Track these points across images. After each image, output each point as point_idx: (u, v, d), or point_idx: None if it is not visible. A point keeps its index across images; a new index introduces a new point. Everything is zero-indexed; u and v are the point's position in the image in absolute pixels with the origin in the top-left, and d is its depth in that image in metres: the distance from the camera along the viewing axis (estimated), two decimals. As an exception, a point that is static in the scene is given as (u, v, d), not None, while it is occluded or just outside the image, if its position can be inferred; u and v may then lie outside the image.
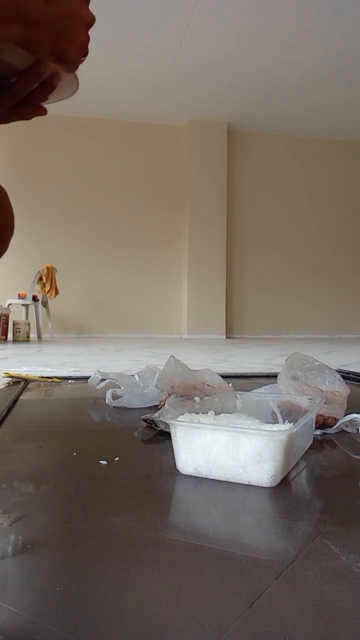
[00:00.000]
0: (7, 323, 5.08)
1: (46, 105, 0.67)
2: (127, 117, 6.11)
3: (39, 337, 5.50)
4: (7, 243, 0.83)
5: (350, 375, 1.94)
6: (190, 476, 0.80)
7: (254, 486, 0.76)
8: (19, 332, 5.05)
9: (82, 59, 0.60)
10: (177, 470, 0.82)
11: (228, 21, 4.27)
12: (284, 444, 0.75)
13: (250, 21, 4.26)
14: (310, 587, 0.48)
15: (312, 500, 0.74)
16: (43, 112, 0.66)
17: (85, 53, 0.60)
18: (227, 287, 6.35)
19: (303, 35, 4.46)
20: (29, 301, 5.37)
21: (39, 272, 5.45)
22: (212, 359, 3.16)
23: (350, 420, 1.10)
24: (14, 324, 5.06)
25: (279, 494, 0.74)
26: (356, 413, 1.11)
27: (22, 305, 5.41)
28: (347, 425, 1.11)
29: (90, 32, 0.61)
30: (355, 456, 0.97)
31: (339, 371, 1.48)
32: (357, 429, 1.10)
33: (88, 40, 0.59)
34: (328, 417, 1.10)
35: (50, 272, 5.47)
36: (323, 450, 0.99)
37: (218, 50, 4.71)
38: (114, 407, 1.35)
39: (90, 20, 0.58)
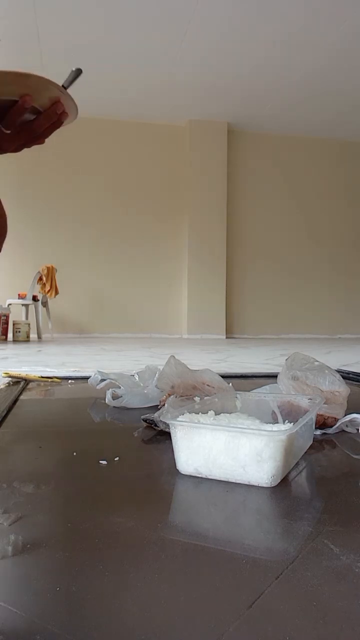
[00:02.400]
0: (7, 323, 5.08)
1: None
2: (127, 117, 6.11)
3: (39, 337, 5.50)
4: (0, 245, 0.89)
5: (350, 375, 1.94)
6: (190, 476, 0.80)
7: (254, 486, 0.76)
8: (19, 332, 5.05)
9: None
10: (177, 470, 0.82)
11: (228, 21, 4.26)
12: (284, 444, 0.75)
13: (250, 21, 4.26)
14: (310, 587, 0.48)
15: (312, 500, 0.74)
16: (42, 141, 0.79)
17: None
18: (227, 287, 6.35)
19: (303, 35, 4.46)
20: (29, 301, 5.37)
21: (39, 272, 5.45)
22: (212, 359, 3.16)
23: (350, 420, 1.10)
24: (14, 324, 5.06)
25: (279, 494, 0.74)
26: (356, 413, 1.11)
27: (22, 305, 5.41)
28: (347, 425, 1.11)
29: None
30: (355, 456, 0.97)
31: (339, 371, 1.48)
32: (357, 429, 1.10)
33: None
34: (328, 417, 1.10)
35: (50, 272, 5.47)
36: (323, 450, 0.99)
37: (218, 50, 4.71)
38: (114, 407, 1.35)
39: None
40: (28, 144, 0.78)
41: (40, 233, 5.99)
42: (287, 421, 0.97)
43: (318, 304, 6.70)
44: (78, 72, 0.77)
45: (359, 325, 6.81)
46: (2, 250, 0.91)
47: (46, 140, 0.79)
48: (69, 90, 0.74)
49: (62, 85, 0.74)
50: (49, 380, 1.90)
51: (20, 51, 4.63)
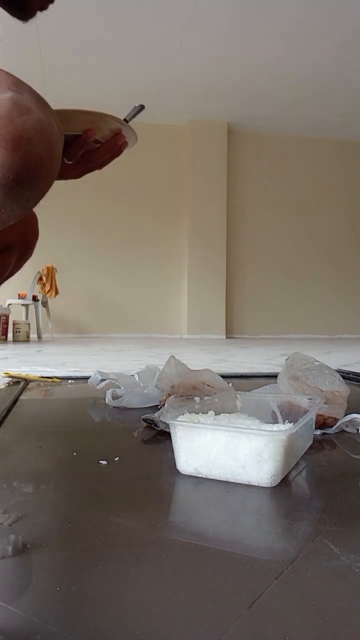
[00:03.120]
0: (7, 323, 5.08)
1: None
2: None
3: (39, 337, 5.50)
4: (33, 248, 0.94)
5: (350, 375, 1.94)
6: (190, 476, 0.80)
7: (254, 486, 0.76)
8: (19, 332, 5.05)
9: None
10: (177, 470, 0.82)
11: (228, 21, 4.26)
12: (284, 444, 0.75)
13: (250, 21, 4.26)
14: (310, 587, 0.48)
15: (312, 500, 0.74)
16: (102, 167, 0.83)
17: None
18: (227, 287, 6.35)
19: (303, 35, 4.46)
20: (29, 301, 5.37)
21: (39, 272, 5.45)
22: (212, 359, 3.16)
23: (350, 420, 1.10)
24: (14, 324, 5.06)
25: (279, 494, 0.74)
26: (356, 413, 1.11)
27: (22, 305, 5.41)
28: (347, 425, 1.11)
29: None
30: (355, 456, 0.97)
31: (339, 371, 1.48)
32: (357, 429, 1.10)
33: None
34: (328, 417, 1.10)
35: (50, 272, 5.47)
36: (323, 450, 0.99)
37: (218, 50, 4.71)
38: (114, 407, 1.35)
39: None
40: (89, 171, 0.83)
41: (40, 233, 5.98)
42: (287, 421, 0.97)
43: (318, 304, 6.70)
44: (141, 108, 0.84)
45: (359, 325, 6.81)
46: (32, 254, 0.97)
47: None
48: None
49: (124, 119, 0.79)
50: (49, 380, 1.90)
51: (20, 51, 4.63)
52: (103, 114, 0.75)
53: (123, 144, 0.80)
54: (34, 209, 0.98)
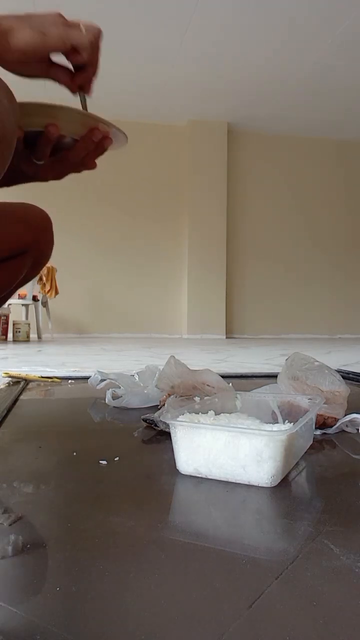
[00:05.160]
0: (7, 323, 5.08)
1: None
2: (127, 117, 6.11)
3: (39, 337, 5.50)
4: (47, 253, 0.94)
5: (350, 375, 1.94)
6: (190, 476, 0.80)
7: (254, 486, 0.76)
8: (19, 332, 5.05)
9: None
10: (177, 470, 0.82)
11: (228, 21, 4.27)
12: (284, 444, 0.75)
13: (250, 21, 4.26)
14: (310, 587, 0.48)
15: (312, 500, 0.74)
16: (93, 167, 0.78)
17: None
18: (227, 287, 6.35)
19: (303, 35, 4.46)
20: (29, 301, 5.37)
21: (39, 272, 5.45)
22: (212, 359, 3.16)
23: (350, 420, 1.10)
24: (14, 324, 5.06)
25: (279, 494, 0.74)
26: (356, 413, 1.11)
27: (22, 305, 5.41)
28: (347, 425, 1.10)
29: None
30: (355, 456, 0.97)
31: (339, 371, 1.48)
32: (357, 429, 1.10)
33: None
34: (328, 417, 1.10)
35: (50, 272, 5.47)
36: (323, 450, 0.99)
37: (218, 50, 4.71)
38: (114, 407, 1.35)
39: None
40: (71, 171, 0.79)
41: (40, 233, 5.98)
42: (287, 421, 0.97)
43: (318, 304, 6.70)
44: (82, 95, 0.77)
45: (359, 325, 6.81)
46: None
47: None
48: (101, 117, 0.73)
49: (83, 109, 0.74)
50: (49, 380, 1.90)
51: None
52: (71, 109, 0.69)
53: (104, 141, 0.74)
54: (49, 214, 1.00)
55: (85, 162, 0.77)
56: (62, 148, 0.75)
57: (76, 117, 0.70)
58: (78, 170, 0.79)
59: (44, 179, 0.79)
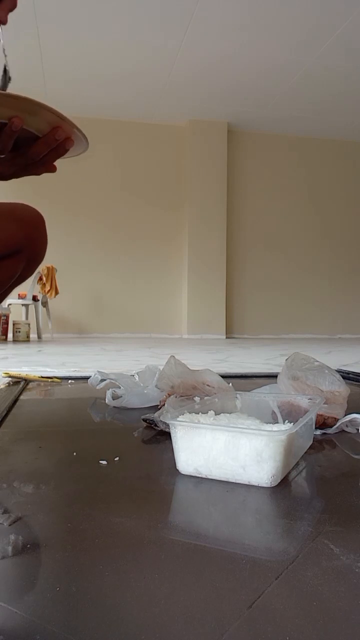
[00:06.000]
0: (7, 323, 5.08)
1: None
2: (127, 117, 6.11)
3: (39, 337, 5.49)
4: (41, 251, 0.93)
5: (350, 375, 1.94)
6: (190, 476, 0.80)
7: (254, 486, 0.76)
8: (19, 332, 5.05)
9: None
10: (177, 470, 0.82)
11: (228, 21, 4.26)
12: (284, 444, 0.75)
13: (250, 21, 4.26)
14: (310, 587, 0.48)
15: (312, 500, 0.74)
16: (53, 169, 0.76)
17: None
18: (227, 287, 6.35)
19: (303, 35, 4.46)
20: (29, 301, 5.37)
21: (39, 272, 5.45)
22: (212, 359, 3.16)
23: (350, 420, 1.10)
24: (14, 324, 5.06)
25: (279, 494, 0.74)
26: (356, 413, 1.11)
27: (22, 305, 5.41)
28: (347, 425, 1.11)
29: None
30: (355, 456, 0.97)
31: (339, 371, 1.48)
32: (357, 429, 1.10)
33: None
34: (328, 417, 1.10)
35: (50, 272, 5.47)
36: (323, 450, 0.99)
37: (218, 50, 4.71)
38: (114, 407, 1.35)
39: None
40: (30, 170, 0.76)
41: (40, 233, 5.98)
42: (287, 421, 0.97)
43: (318, 304, 6.70)
44: (4, 72, 0.75)
45: (359, 325, 6.81)
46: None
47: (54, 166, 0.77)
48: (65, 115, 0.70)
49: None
50: (49, 380, 1.90)
51: (20, 51, 4.63)
52: (38, 102, 0.66)
53: (65, 141, 0.71)
54: (42, 213, 1.00)
55: (45, 162, 0.75)
56: (24, 144, 0.72)
57: (42, 113, 0.68)
58: (38, 172, 0.77)
59: (2, 174, 0.76)
